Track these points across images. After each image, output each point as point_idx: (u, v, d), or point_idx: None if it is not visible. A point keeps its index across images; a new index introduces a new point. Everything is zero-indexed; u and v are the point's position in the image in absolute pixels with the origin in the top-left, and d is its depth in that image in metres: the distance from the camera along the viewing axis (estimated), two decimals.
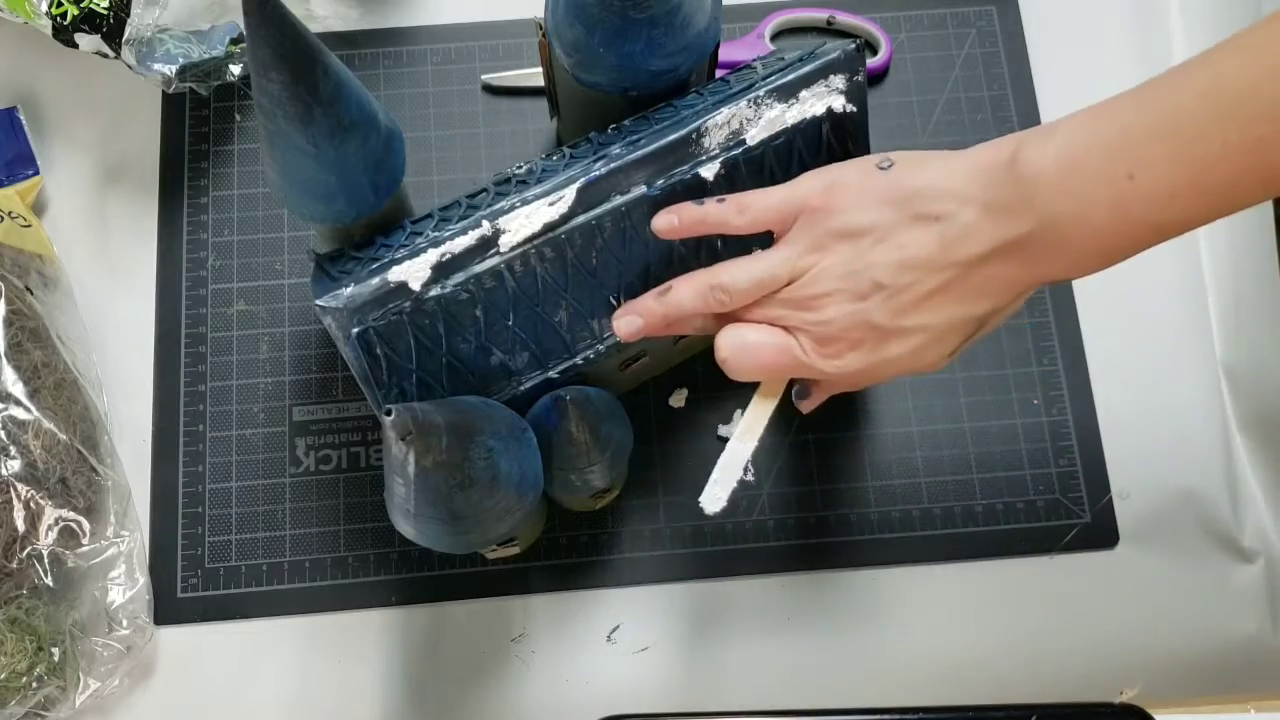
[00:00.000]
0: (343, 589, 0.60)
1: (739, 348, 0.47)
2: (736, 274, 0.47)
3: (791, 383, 0.51)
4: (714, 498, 0.48)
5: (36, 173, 0.64)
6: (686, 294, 0.48)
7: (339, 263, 0.49)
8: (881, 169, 0.45)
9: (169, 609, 0.59)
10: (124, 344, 0.63)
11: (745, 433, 0.49)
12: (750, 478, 0.49)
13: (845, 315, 0.45)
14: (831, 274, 0.45)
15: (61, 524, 0.55)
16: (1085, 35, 0.69)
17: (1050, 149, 0.41)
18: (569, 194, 0.49)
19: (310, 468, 0.61)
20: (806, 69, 0.51)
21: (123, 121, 0.67)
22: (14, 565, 0.54)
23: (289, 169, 0.47)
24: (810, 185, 0.47)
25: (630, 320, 0.49)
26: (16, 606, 0.54)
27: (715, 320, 0.49)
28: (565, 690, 0.59)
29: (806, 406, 0.51)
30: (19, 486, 0.54)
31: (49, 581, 0.55)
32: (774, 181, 0.51)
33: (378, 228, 0.50)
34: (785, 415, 0.62)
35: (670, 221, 0.48)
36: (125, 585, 0.57)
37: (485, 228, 0.49)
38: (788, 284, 0.46)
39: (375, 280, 0.48)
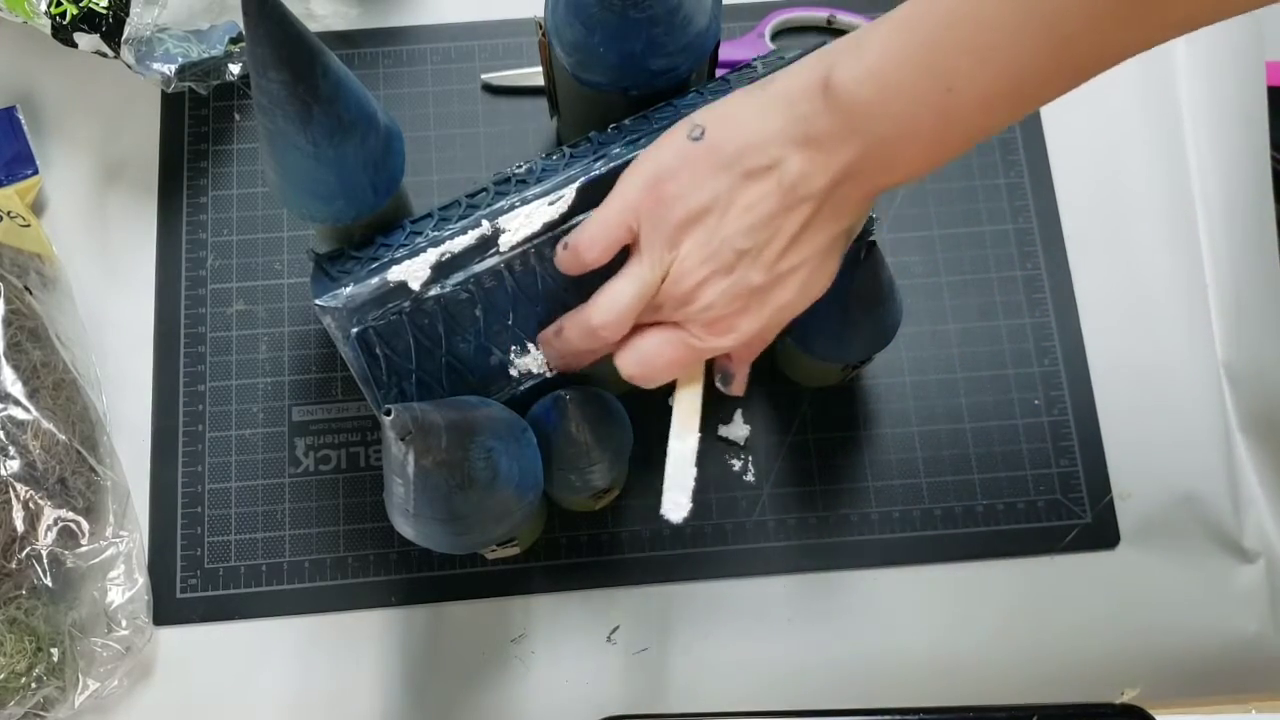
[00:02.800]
0: (343, 589, 0.60)
1: (639, 361, 0.47)
2: (610, 308, 0.46)
3: (709, 367, 0.50)
4: (675, 504, 0.47)
5: (36, 172, 0.64)
6: (574, 339, 0.48)
7: (338, 262, 0.49)
8: (694, 139, 0.44)
9: (168, 609, 0.59)
10: (123, 344, 0.63)
11: (681, 429, 0.48)
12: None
13: (723, 293, 0.44)
14: (694, 261, 0.44)
15: (61, 524, 0.55)
16: None
17: (861, 69, 0.40)
18: (569, 194, 0.49)
19: (310, 468, 0.61)
20: None
21: (122, 121, 0.67)
22: (13, 565, 0.54)
23: (289, 168, 0.47)
24: (634, 185, 0.45)
25: (546, 351, 0.50)
26: (16, 607, 0.54)
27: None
28: (565, 690, 0.59)
29: (735, 388, 0.50)
30: (18, 486, 0.54)
31: (48, 582, 0.55)
32: None
33: (377, 227, 0.50)
34: (785, 416, 0.62)
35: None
36: (124, 585, 0.57)
37: (485, 227, 0.49)
38: (661, 283, 0.46)
39: (375, 280, 0.48)
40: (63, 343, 0.59)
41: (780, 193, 0.43)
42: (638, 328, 0.47)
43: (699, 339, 0.46)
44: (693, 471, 0.48)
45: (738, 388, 0.50)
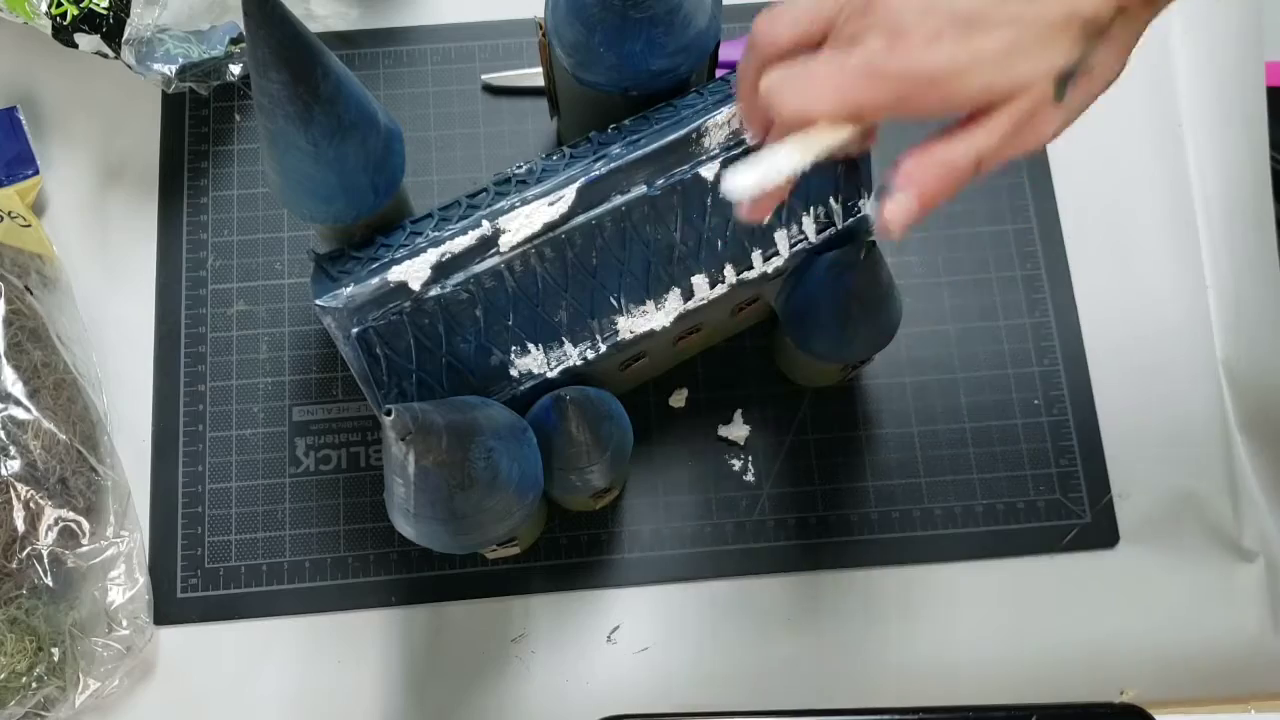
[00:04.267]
0: (343, 589, 0.60)
1: (799, 74, 0.38)
2: (777, 12, 0.39)
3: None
4: (737, 184, 0.39)
5: (36, 172, 0.64)
6: (743, 62, 0.40)
7: (339, 263, 0.49)
8: None
9: (169, 609, 0.59)
10: (124, 344, 0.63)
11: (792, 146, 0.39)
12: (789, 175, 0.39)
13: (922, 2, 0.36)
14: None
15: (61, 524, 0.55)
16: None
17: None
18: (569, 194, 0.49)
19: (310, 468, 0.61)
20: None
21: (122, 121, 0.67)
22: (14, 565, 0.54)
23: (289, 169, 0.47)
24: None
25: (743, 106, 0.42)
26: (16, 606, 0.54)
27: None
28: (565, 690, 0.59)
29: (891, 214, 0.38)
30: (19, 486, 0.54)
31: (49, 582, 0.55)
32: None
33: (378, 228, 0.50)
34: (786, 416, 0.62)
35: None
36: (125, 585, 0.57)
37: (485, 227, 0.49)
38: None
39: (375, 280, 0.48)
40: (63, 343, 0.59)
41: None
42: None
43: (875, 53, 0.37)
44: (773, 178, 0.39)
45: (893, 210, 0.38)
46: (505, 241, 0.49)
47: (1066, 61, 0.37)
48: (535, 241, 0.49)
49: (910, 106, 0.37)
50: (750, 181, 0.39)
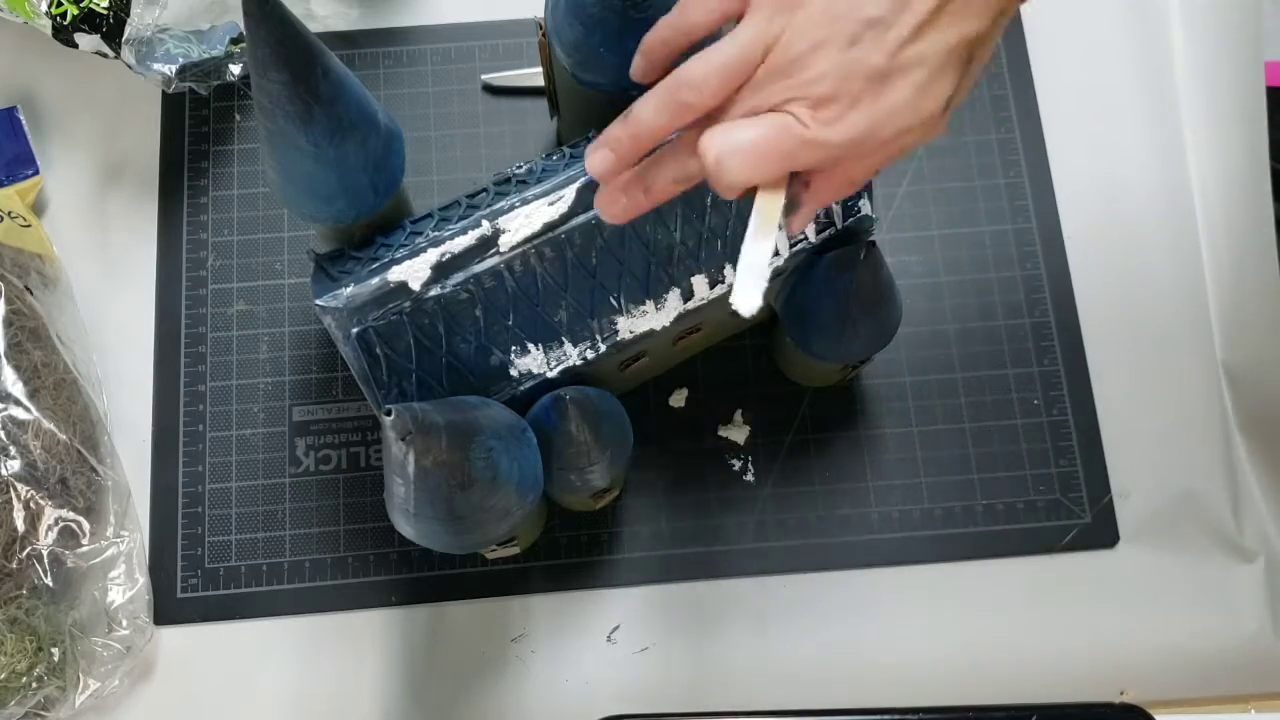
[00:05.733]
0: (343, 589, 0.60)
1: (728, 146, 0.40)
2: (700, 66, 0.40)
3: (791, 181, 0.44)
4: (745, 299, 0.41)
5: (36, 172, 0.64)
6: (649, 106, 0.42)
7: (339, 263, 0.49)
8: None
9: (169, 609, 0.59)
10: (124, 344, 0.63)
11: (758, 231, 0.42)
12: (777, 263, 0.42)
13: (838, 66, 0.39)
14: (812, 24, 0.39)
15: (61, 524, 0.55)
16: (1085, 36, 0.70)
17: None
18: (569, 194, 0.49)
19: (310, 468, 0.61)
20: None
21: (123, 121, 0.67)
22: (14, 565, 0.54)
23: (289, 169, 0.47)
24: None
25: (601, 155, 0.43)
26: (16, 606, 0.54)
27: (690, 156, 0.42)
28: (565, 690, 0.59)
29: (798, 221, 0.44)
30: (19, 486, 0.54)
31: (49, 581, 0.55)
32: None
33: (378, 228, 0.50)
34: (786, 416, 0.62)
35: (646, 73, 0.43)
36: (125, 585, 0.57)
37: (485, 227, 0.49)
38: (762, 62, 0.41)
39: (375, 280, 0.48)
40: (63, 343, 0.59)
41: None
42: (721, 120, 0.41)
43: (802, 123, 0.40)
44: (765, 273, 0.42)
45: (800, 221, 0.44)
46: (505, 241, 0.49)
47: (956, 81, 0.41)
48: (535, 241, 0.49)
49: (840, 166, 0.42)
50: (755, 292, 0.42)
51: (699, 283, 0.52)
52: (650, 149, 0.43)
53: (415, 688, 0.59)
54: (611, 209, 0.44)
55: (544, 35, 0.53)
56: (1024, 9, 0.69)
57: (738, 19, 0.41)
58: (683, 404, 0.62)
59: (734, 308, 0.42)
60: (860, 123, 0.40)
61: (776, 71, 0.40)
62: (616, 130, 0.43)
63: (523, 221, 0.49)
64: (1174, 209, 0.67)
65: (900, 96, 0.40)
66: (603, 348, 0.51)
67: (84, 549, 0.56)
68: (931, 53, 0.39)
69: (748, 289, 0.42)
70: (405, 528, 0.46)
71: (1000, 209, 0.66)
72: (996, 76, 0.68)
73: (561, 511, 0.61)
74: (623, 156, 0.43)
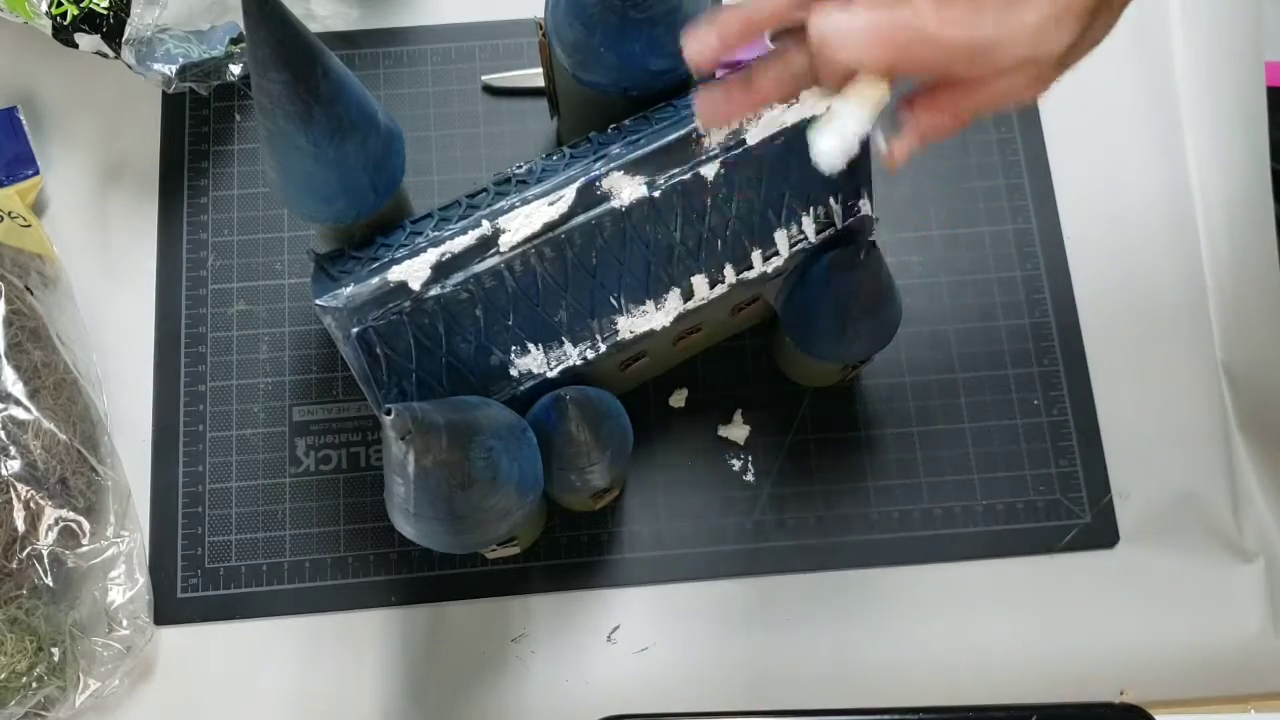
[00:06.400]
0: (343, 589, 0.60)
1: (841, 26, 0.39)
2: None
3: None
4: (827, 150, 0.40)
5: (36, 173, 0.64)
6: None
7: (339, 263, 0.49)
8: None
9: (169, 609, 0.59)
10: (124, 344, 0.63)
11: (857, 105, 0.40)
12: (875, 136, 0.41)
13: None
14: None
15: (61, 524, 0.55)
16: None
17: None
18: (569, 194, 0.49)
19: (310, 468, 0.61)
20: None
21: (123, 121, 0.67)
22: (14, 565, 0.54)
23: (289, 169, 0.47)
24: None
25: (704, 33, 0.41)
26: (16, 606, 0.54)
27: (798, 53, 0.41)
28: (565, 690, 0.59)
29: (898, 147, 0.42)
30: (19, 486, 0.54)
31: (49, 581, 0.55)
32: (772, 181, 0.51)
33: (378, 228, 0.50)
34: (786, 416, 0.62)
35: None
36: (125, 585, 0.57)
37: (485, 227, 0.49)
38: None
39: (375, 280, 0.48)
40: (63, 343, 0.59)
41: None
42: None
43: (921, 16, 0.38)
44: (855, 134, 0.40)
45: (901, 148, 0.42)
46: (505, 241, 0.49)
47: (1077, 34, 0.39)
48: (535, 241, 0.49)
49: (950, 70, 0.40)
50: (835, 146, 0.40)
51: (699, 283, 0.52)
52: (757, 33, 0.41)
53: (415, 688, 0.59)
54: (709, 109, 0.43)
55: (544, 35, 0.53)
56: None
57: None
58: (683, 404, 0.62)
59: (814, 160, 0.40)
60: (981, 32, 0.38)
61: None
62: (725, 13, 0.41)
63: (523, 221, 0.49)
64: (1174, 209, 0.67)
65: (1026, 19, 0.38)
66: (603, 348, 0.51)
67: (84, 549, 0.56)
68: None
69: (833, 140, 0.40)
70: (405, 528, 0.46)
71: (1000, 209, 0.66)
72: None
73: (561, 511, 0.61)
74: (726, 38, 0.41)
